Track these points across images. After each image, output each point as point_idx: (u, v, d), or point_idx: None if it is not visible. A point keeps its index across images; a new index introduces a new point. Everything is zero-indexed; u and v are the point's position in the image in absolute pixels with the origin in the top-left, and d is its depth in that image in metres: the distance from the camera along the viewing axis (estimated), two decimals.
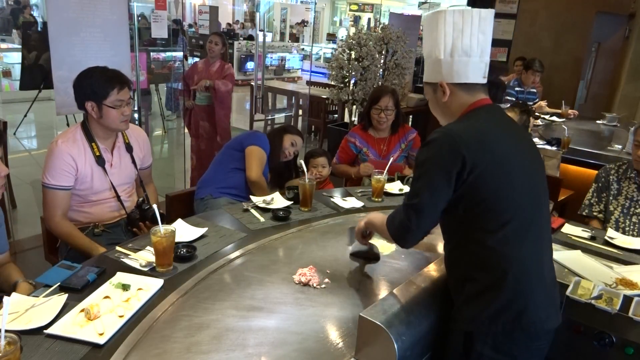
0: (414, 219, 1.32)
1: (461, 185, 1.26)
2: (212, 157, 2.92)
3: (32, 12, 9.11)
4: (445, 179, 1.25)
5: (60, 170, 1.99)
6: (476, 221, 1.29)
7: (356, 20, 20.00)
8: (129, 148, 2.21)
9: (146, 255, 1.66)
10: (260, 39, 7.20)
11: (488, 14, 1.34)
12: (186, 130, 4.68)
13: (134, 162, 2.23)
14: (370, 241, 1.78)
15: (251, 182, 2.50)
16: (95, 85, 1.98)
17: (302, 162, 2.61)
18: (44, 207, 2.03)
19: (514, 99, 4.79)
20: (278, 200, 2.29)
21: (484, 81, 1.38)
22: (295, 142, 2.76)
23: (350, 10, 20.59)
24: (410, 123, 6.15)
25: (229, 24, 15.39)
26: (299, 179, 2.44)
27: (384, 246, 1.87)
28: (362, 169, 2.91)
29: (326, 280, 1.61)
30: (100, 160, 2.09)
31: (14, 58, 6.45)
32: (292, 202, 2.28)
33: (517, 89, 5.02)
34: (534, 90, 5.13)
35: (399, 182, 2.73)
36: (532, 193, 1.33)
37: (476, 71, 1.36)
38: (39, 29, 5.38)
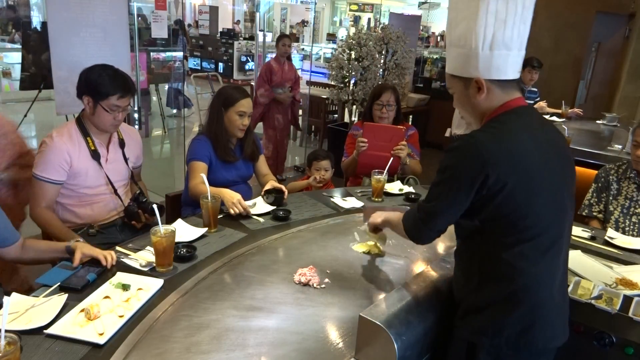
0: (427, 221, 1.30)
1: (480, 199, 1.19)
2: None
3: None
4: (465, 190, 1.19)
5: (54, 165, 2.00)
6: (494, 234, 1.22)
7: (356, 20, 19.98)
8: (121, 144, 2.23)
9: (146, 255, 1.66)
10: (260, 39, 7.20)
11: (531, 1, 1.22)
12: (186, 130, 4.68)
13: (125, 159, 2.24)
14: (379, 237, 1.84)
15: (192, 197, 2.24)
16: (99, 84, 1.99)
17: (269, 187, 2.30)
18: (30, 197, 2.06)
19: None
20: (259, 205, 2.21)
21: (518, 76, 1.27)
22: (243, 112, 2.33)
23: (350, 10, 20.57)
24: (410, 123, 6.15)
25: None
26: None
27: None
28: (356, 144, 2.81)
29: (326, 280, 1.61)
30: (95, 155, 2.10)
31: (14, 58, 6.46)
32: (274, 206, 2.20)
33: None
34: (535, 89, 5.13)
35: (399, 182, 2.74)
36: (558, 210, 1.24)
37: (514, 66, 1.24)
38: (33, 27, 5.36)
